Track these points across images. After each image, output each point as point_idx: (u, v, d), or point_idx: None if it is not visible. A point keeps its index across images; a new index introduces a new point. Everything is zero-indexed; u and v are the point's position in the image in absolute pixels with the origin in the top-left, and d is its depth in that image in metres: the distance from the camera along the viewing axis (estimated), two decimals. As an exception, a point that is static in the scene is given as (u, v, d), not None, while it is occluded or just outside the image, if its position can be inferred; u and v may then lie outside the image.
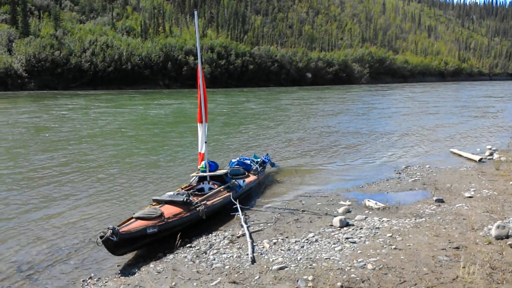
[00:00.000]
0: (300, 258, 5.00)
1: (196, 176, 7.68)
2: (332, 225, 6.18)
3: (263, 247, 5.46)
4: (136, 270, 5.05)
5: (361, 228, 5.92)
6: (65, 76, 49.99)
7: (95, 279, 4.88)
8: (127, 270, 5.08)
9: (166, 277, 4.75)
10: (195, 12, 7.81)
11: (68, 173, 9.82)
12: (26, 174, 9.68)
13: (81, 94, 42.28)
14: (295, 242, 5.55)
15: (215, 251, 5.44)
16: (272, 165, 10.24)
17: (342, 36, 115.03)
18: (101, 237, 5.02)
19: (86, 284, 4.78)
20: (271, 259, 5.04)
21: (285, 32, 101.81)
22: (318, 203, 7.52)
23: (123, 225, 5.39)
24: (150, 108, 28.44)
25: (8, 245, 5.79)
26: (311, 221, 6.49)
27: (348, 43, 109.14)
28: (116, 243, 5.08)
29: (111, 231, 5.03)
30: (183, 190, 6.94)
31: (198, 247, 5.62)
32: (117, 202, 7.70)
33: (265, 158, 9.90)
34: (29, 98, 35.35)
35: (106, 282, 4.80)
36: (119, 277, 4.92)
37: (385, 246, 5.20)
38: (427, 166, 10.55)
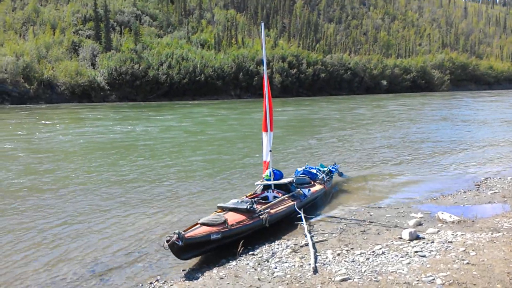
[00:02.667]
0: (365, 271, 4.86)
1: (261, 184, 7.76)
2: (401, 238, 5.94)
3: (326, 258, 5.39)
4: (200, 275, 5.20)
5: (432, 242, 5.64)
6: (143, 88, 52.84)
7: (161, 282, 5.09)
8: (191, 275, 5.25)
9: (228, 283, 4.84)
10: (262, 24, 7.98)
11: (138, 179, 10.37)
12: (99, 178, 10.36)
13: (158, 104, 44.45)
14: (360, 254, 5.41)
15: (277, 259, 5.46)
16: (340, 174, 10.07)
17: (420, 41, 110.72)
18: (167, 241, 5.24)
19: (152, 286, 5.00)
20: (334, 270, 4.95)
21: (359, 39, 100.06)
22: (388, 215, 7.27)
23: (188, 231, 5.59)
24: (219, 117, 29.23)
25: (83, 246, 6.22)
26: (378, 233, 6.30)
27: (426, 49, 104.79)
28: (181, 247, 5.27)
29: (177, 235, 5.23)
30: (247, 198, 7.05)
31: (260, 255, 5.66)
32: (184, 208, 7.98)
33: (332, 168, 9.76)
34: (111, 108, 37.81)
35: (171, 285, 4.99)
36: (184, 281, 5.09)
37: (457, 260, 4.90)
38: (509, 178, 9.80)
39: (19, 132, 20.58)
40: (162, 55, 56.55)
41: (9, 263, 5.70)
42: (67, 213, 7.72)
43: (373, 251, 5.47)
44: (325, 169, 9.38)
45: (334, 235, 6.29)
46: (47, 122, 25.68)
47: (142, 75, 52.71)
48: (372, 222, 6.86)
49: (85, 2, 64.77)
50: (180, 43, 64.01)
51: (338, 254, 5.48)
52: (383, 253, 5.40)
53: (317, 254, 5.51)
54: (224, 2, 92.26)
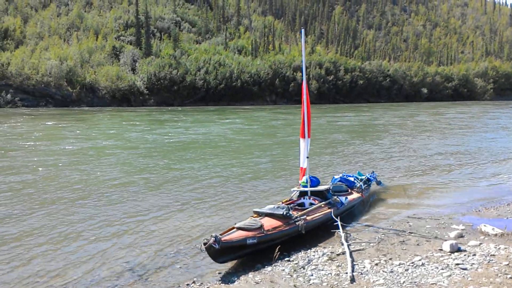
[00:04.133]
0: (404, 282, 4.78)
1: (297, 190, 7.76)
2: (441, 250, 5.80)
3: (364, 267, 5.32)
4: (236, 278, 5.25)
5: (474, 255, 5.47)
6: (181, 93, 53.85)
7: (198, 283, 5.17)
8: (227, 278, 5.30)
9: (264, 288, 4.87)
10: (302, 30, 8.00)
11: (177, 181, 10.58)
12: (138, 180, 10.62)
13: (194, 109, 45.16)
14: (399, 265, 5.31)
15: (313, 266, 5.44)
16: (379, 183, 9.92)
17: (463, 49, 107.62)
18: (204, 244, 5.32)
19: (190, 287, 5.09)
20: (371, 280, 4.89)
21: (399, 46, 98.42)
22: (428, 226, 7.11)
23: (225, 234, 5.65)
24: (255, 122, 29.36)
25: (123, 247, 6.39)
26: (418, 244, 6.16)
27: (469, 56, 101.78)
28: (218, 250, 5.34)
29: (214, 239, 5.30)
30: (283, 204, 7.06)
31: (296, 262, 5.66)
32: (220, 211, 8.08)
33: (370, 176, 9.63)
34: (151, 113, 38.70)
35: (207, 287, 5.06)
36: (220, 284, 5.15)
37: (499, 274, 4.74)
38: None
39: (112, 131, 22.55)
40: (199, 61, 57.48)
41: (51, 257, 5.95)
42: (108, 213, 7.99)
43: (412, 262, 5.36)
44: (363, 177, 9.27)
45: (372, 244, 6.20)
46: (130, 123, 27.74)
47: (180, 80, 53.73)
48: (411, 232, 6.72)
49: (127, 9, 66.73)
50: (217, 49, 64.87)
51: (376, 264, 5.40)
52: (422, 264, 5.29)
53: (354, 263, 5.45)
54: (262, 9, 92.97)
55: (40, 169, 12.00)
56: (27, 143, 17.30)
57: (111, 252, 6.19)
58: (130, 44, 59.04)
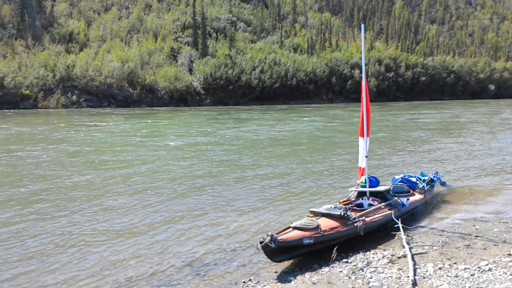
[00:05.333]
0: (469, 287, 4.58)
1: (355, 191, 7.63)
2: (510, 255, 5.50)
3: (427, 271, 5.16)
4: (292, 278, 5.26)
5: (548, 262, 5.15)
6: (236, 92, 54.55)
7: (254, 282, 5.24)
8: (283, 277, 5.33)
9: (321, 289, 4.85)
10: (362, 25, 7.86)
11: (234, 180, 10.76)
12: (195, 179, 10.89)
13: (250, 108, 45.59)
14: (464, 269, 5.11)
15: (372, 269, 5.34)
16: (443, 184, 9.54)
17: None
18: (260, 243, 5.37)
19: (246, 285, 5.16)
20: (434, 284, 4.74)
21: (463, 41, 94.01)
22: (495, 229, 6.76)
23: (281, 233, 5.68)
24: (312, 120, 29.16)
25: (182, 243, 6.59)
26: (485, 248, 5.88)
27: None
28: (274, 249, 5.38)
29: (270, 237, 5.34)
30: (340, 204, 6.98)
31: (355, 263, 5.58)
32: (276, 210, 8.12)
33: (434, 176, 9.28)
34: (208, 112, 39.55)
35: (264, 285, 5.12)
36: (276, 283, 5.19)
37: None
38: None
39: (208, 129, 23.87)
40: (255, 60, 57.90)
41: (116, 251, 6.25)
42: (174, 208, 8.31)
43: (478, 267, 5.14)
44: (426, 177, 8.95)
45: (435, 247, 5.99)
46: (212, 121, 29.40)
47: (235, 79, 54.43)
48: (477, 236, 6.42)
49: (185, 10, 68.51)
50: (272, 47, 65.04)
51: (440, 268, 5.22)
52: (489, 269, 5.05)
53: (416, 266, 5.30)
54: (318, 6, 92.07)
55: (147, 163, 13.09)
56: (136, 140, 18.93)
57: (170, 246, 6.42)
58: (187, 45, 60.54)
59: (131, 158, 14.05)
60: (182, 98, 51.95)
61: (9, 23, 54.56)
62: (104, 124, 27.11)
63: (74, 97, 45.24)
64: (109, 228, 7.25)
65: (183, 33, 63.26)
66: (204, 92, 53.39)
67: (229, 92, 54.34)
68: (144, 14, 67.19)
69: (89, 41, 57.18)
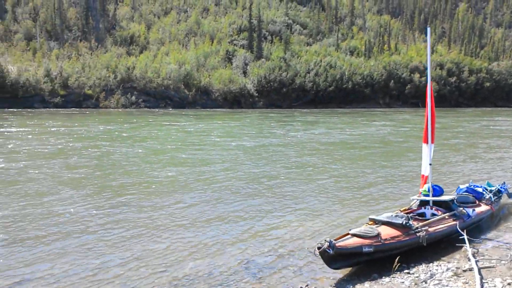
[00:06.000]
0: (545, 308, 4.29)
1: (417, 199, 7.37)
2: None
3: (494, 286, 4.89)
4: (350, 286, 5.16)
5: None
6: (290, 95, 54.52)
7: (311, 287, 5.19)
8: (341, 285, 5.24)
9: (381, 299, 4.72)
10: (428, 29, 7.58)
11: (300, 182, 10.78)
12: (264, 179, 10.98)
13: (304, 111, 45.38)
14: (539, 288, 4.79)
15: (436, 281, 5.13)
16: (510, 195, 9.02)
17: None
18: (318, 249, 5.29)
19: (303, 290, 5.13)
20: (505, 302, 4.48)
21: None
22: None
23: (339, 240, 5.58)
24: (383, 125, 28.62)
25: (239, 245, 6.64)
26: (562, 267, 5.49)
27: None
28: (332, 256, 5.29)
29: (328, 243, 5.26)
30: (402, 213, 6.76)
31: (417, 275, 5.38)
32: (333, 216, 8.00)
33: (501, 187, 8.79)
34: (267, 114, 39.82)
35: (321, 292, 5.06)
36: (334, 290, 5.12)
37: None
38: None
39: (279, 131, 24.30)
40: (310, 62, 57.63)
41: (176, 248, 6.40)
42: (235, 208, 8.46)
43: (554, 287, 4.80)
44: (493, 188, 8.50)
45: (503, 262, 5.67)
46: (276, 124, 29.81)
47: (289, 82, 54.42)
48: (553, 253, 6.01)
49: (241, 14, 69.44)
50: (328, 50, 64.47)
51: (509, 284, 4.93)
52: None
53: (483, 281, 5.04)
54: (377, 8, 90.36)
55: (224, 162, 13.69)
56: (212, 139, 19.77)
57: (229, 247, 6.49)
58: (243, 47, 61.26)
59: (208, 157, 14.61)
60: (235, 100, 52.60)
61: (74, 25, 57.67)
62: (178, 124, 28.23)
63: (133, 97, 46.99)
64: (173, 223, 7.47)
65: (238, 36, 64.09)
66: (257, 94, 53.79)
67: (282, 95, 54.40)
68: (202, 17, 68.73)
69: (149, 43, 59.25)
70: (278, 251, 6.33)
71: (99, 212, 7.99)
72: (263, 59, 57.93)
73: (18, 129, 22.54)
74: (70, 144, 16.95)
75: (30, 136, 19.35)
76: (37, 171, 11.44)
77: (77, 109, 42.87)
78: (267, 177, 11.47)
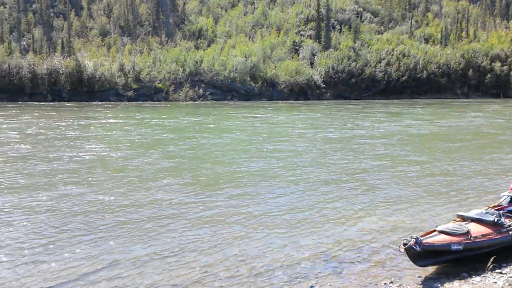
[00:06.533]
0: None
1: (508, 196, 6.97)
2: None
3: None
4: (439, 285, 5.03)
5: None
6: (358, 86, 53.31)
7: (396, 284, 5.13)
8: (428, 283, 5.12)
9: (473, 300, 4.54)
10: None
11: (385, 174, 10.72)
12: (348, 171, 10.99)
13: (383, 102, 44.21)
14: None
15: (533, 284, 4.85)
16: None
17: None
18: (404, 245, 5.19)
19: (388, 287, 5.08)
20: None
21: None
22: None
23: (426, 237, 5.43)
24: (473, 116, 27.45)
25: (318, 237, 6.67)
26: None
27: None
28: (418, 253, 5.16)
29: (414, 240, 5.13)
30: (492, 210, 6.43)
31: (511, 275, 5.11)
32: (417, 211, 7.83)
33: None
34: (335, 105, 39.35)
35: (407, 289, 4.96)
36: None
37: None
38: None
39: (363, 123, 23.87)
40: (381, 52, 55.97)
41: (256, 238, 6.54)
42: (317, 200, 8.54)
43: None
44: None
45: None
46: (371, 115, 29.48)
47: (359, 73, 53.20)
48: None
49: (308, 3, 68.73)
50: (401, 38, 62.16)
51: None
52: None
53: None
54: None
55: (310, 153, 13.94)
56: (296, 131, 19.99)
57: (308, 240, 6.54)
58: (310, 38, 60.65)
59: (295, 148, 14.86)
60: (301, 92, 52.31)
61: (146, 21, 60.01)
62: (259, 115, 28.75)
63: (201, 90, 48.16)
64: (258, 213, 7.65)
65: (305, 26, 63.52)
66: (324, 85, 53.13)
67: (351, 86, 53.30)
68: (269, 8, 68.85)
69: (216, 37, 60.36)
70: (357, 246, 6.31)
71: (196, 200, 8.38)
72: (331, 49, 57.01)
73: (116, 121, 24.16)
74: (165, 135, 17.98)
75: (126, 127, 20.66)
76: (139, 160, 12.21)
77: (149, 102, 44.65)
78: (353, 169, 11.45)
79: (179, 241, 6.41)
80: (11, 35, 55.46)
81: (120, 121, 23.97)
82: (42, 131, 18.86)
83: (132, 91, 46.18)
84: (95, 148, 14.13)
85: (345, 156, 13.40)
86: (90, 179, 9.88)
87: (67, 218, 7.22)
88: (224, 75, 49.82)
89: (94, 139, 16.51)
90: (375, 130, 20.37)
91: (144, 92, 46.80)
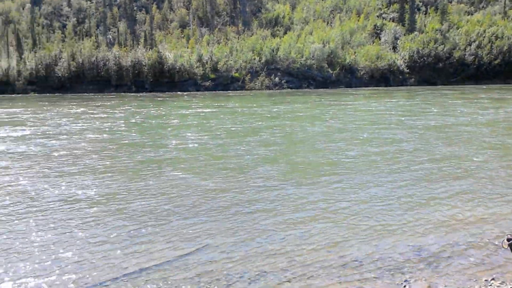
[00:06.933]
0: None
1: None
2: None
3: None
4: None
5: None
6: (446, 70, 50.34)
7: (498, 281, 4.82)
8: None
9: None
10: None
11: (480, 166, 9.97)
12: (445, 161, 10.38)
13: (467, 88, 41.41)
14: None
15: None
16: None
17: None
18: (508, 240, 4.85)
19: (488, 284, 4.78)
20: None
21: None
22: None
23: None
24: None
25: (410, 230, 6.31)
26: None
27: None
28: (524, 249, 4.73)
29: (520, 235, 4.77)
30: None
31: None
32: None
33: None
34: (408, 92, 37.53)
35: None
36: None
37: None
38: None
39: (464, 110, 22.90)
40: (471, 34, 52.28)
41: (343, 231, 6.30)
42: (410, 193, 8.06)
43: None
44: None
45: None
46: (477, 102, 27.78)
47: (446, 56, 50.28)
48: None
49: (391, -16, 65.89)
50: (493, 19, 57.59)
51: None
52: None
53: None
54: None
55: (408, 141, 13.31)
56: (393, 118, 19.37)
57: (398, 232, 6.23)
58: (392, 21, 58.27)
59: (393, 136, 14.28)
60: (383, 78, 50.47)
61: (223, 11, 61.03)
62: (347, 102, 28.38)
63: (277, 78, 48.13)
64: (345, 203, 7.40)
65: (388, 9, 61.14)
66: (408, 70, 50.80)
67: (437, 71, 50.50)
68: (348, -8, 67.04)
69: (293, 23, 59.94)
70: (451, 239, 5.94)
71: (293, 188, 8.30)
72: (415, 32, 54.36)
73: (209, 110, 24.80)
74: (258, 123, 18.25)
75: (222, 116, 21.25)
76: (236, 147, 12.50)
77: (226, 91, 45.47)
78: (456, 158, 10.82)
79: (271, 227, 6.41)
80: (98, 29, 59.13)
81: (213, 110, 24.65)
82: (145, 120, 20.01)
83: (209, 81, 47.30)
84: (196, 136, 14.69)
85: (449, 144, 12.65)
86: (194, 165, 10.26)
87: (174, 201, 7.54)
88: (301, 63, 49.36)
89: (194, 127, 17.21)
90: (480, 116, 19.06)
91: (221, 81, 47.72)
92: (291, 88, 47.81)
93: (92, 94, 43.00)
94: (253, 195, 7.80)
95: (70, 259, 5.38)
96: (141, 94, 42.94)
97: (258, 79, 48.28)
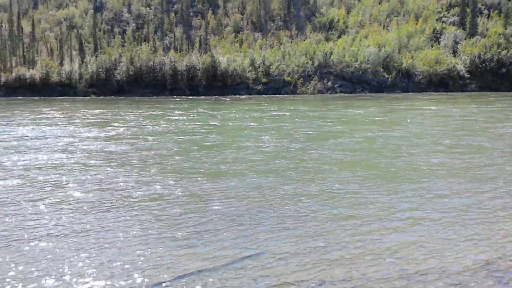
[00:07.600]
0: None
1: None
2: None
3: None
4: None
5: None
6: (510, 76, 48.30)
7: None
8: None
9: None
10: None
11: None
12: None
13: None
14: None
15: None
16: None
17: None
18: None
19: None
20: None
21: None
22: None
23: None
24: None
25: (476, 244, 6.00)
26: None
27: None
28: None
29: None
30: None
31: None
32: None
33: None
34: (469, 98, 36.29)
35: None
36: None
37: None
38: None
39: None
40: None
41: (408, 243, 6.46)
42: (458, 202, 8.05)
43: None
44: None
45: None
46: None
47: (510, 61, 48.30)
48: None
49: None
50: None
51: None
52: None
53: None
54: None
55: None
56: (476, 126, 18.26)
57: (463, 247, 5.88)
58: (453, 25, 56.68)
59: (477, 143, 13.60)
60: (442, 83, 49.19)
61: (277, 15, 61.75)
62: (420, 108, 27.76)
63: (330, 83, 48.08)
64: (418, 213, 7.13)
65: (448, 12, 59.49)
66: (469, 75, 49.16)
67: (500, 76, 48.56)
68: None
69: (348, 27, 59.66)
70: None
71: (371, 194, 8.07)
72: (477, 37, 52.59)
73: (278, 113, 25.16)
74: (333, 127, 18.22)
75: (297, 119, 21.42)
76: (313, 151, 12.42)
77: (276, 95, 45.88)
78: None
79: (339, 235, 6.21)
80: (155, 34, 61.55)
81: (285, 113, 24.90)
82: (222, 122, 20.71)
83: (261, 85, 47.98)
84: (274, 139, 14.71)
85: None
86: (271, 168, 10.34)
87: (250, 204, 7.57)
88: (355, 67, 49.07)
89: (272, 130, 17.32)
90: None
91: (273, 85, 48.30)
92: (344, 92, 47.59)
93: (148, 97, 44.66)
94: (327, 201, 7.67)
95: (138, 256, 5.55)
96: (195, 97, 44.16)
97: (310, 83, 48.45)
